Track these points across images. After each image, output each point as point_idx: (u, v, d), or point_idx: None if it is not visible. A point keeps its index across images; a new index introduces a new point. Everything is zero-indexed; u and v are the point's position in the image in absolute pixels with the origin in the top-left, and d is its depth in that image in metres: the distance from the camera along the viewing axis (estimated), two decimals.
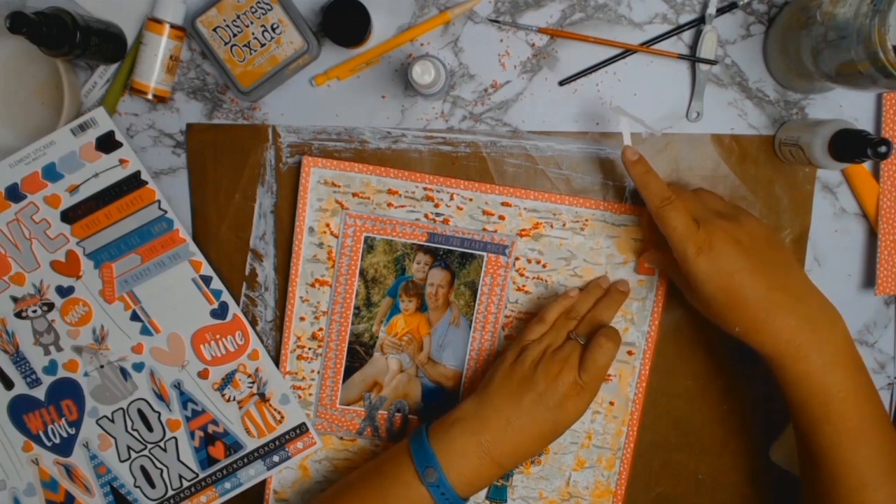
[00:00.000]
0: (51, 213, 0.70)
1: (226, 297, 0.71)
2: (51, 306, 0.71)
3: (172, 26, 0.67)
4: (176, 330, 0.71)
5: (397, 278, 0.72)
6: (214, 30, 0.67)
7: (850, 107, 0.70)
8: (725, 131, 0.71)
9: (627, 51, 0.69)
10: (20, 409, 0.72)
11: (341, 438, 0.74)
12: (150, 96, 0.68)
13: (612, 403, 0.73)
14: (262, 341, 0.73)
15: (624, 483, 0.73)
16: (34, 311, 0.71)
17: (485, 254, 0.71)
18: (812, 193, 0.71)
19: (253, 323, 0.73)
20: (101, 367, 0.72)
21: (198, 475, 0.72)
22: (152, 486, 0.72)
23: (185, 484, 0.72)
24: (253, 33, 0.67)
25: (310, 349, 0.72)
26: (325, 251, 0.71)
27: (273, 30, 0.66)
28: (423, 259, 0.71)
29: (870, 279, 0.72)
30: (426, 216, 0.71)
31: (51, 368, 0.72)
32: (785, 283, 0.60)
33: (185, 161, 0.72)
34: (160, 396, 0.72)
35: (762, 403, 0.73)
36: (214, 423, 0.72)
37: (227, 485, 0.73)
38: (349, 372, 0.73)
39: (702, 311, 0.63)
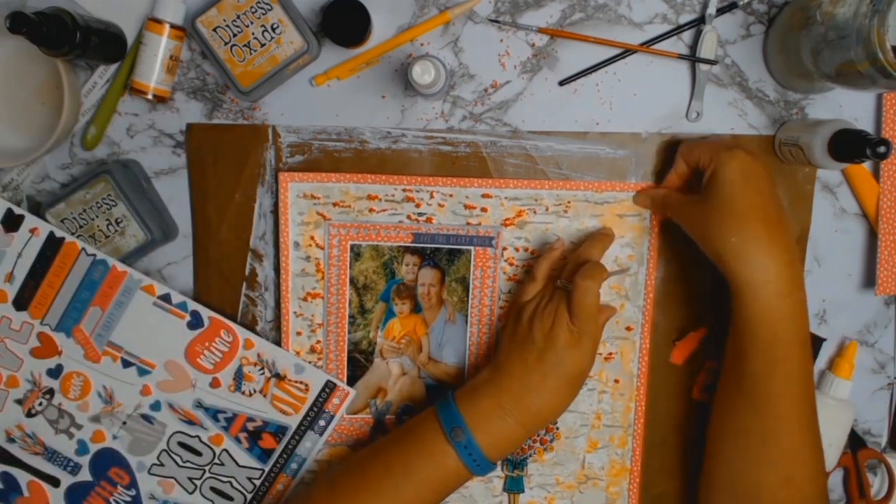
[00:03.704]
0: (5, 308, 0.71)
1: (192, 305, 0.71)
2: (51, 392, 0.72)
3: (172, 26, 0.67)
4: (168, 357, 0.71)
5: (388, 282, 0.72)
6: (214, 30, 0.67)
7: (850, 107, 0.70)
8: (725, 131, 0.71)
9: (627, 51, 0.69)
10: (77, 498, 0.73)
11: (353, 448, 0.74)
12: (150, 96, 0.68)
13: (616, 381, 0.73)
14: (252, 330, 0.72)
15: (639, 459, 0.74)
16: (40, 405, 0.72)
17: (472, 248, 0.71)
18: (812, 193, 0.71)
19: (253, 323, 0.73)
20: (124, 423, 0.72)
21: (263, 470, 0.72)
22: (230, 499, 0.73)
23: (257, 483, 0.73)
24: (253, 33, 0.67)
25: (310, 363, 0.72)
26: (313, 264, 0.71)
27: (273, 30, 0.66)
28: (412, 260, 0.71)
29: (870, 279, 0.72)
30: (409, 217, 0.71)
31: (82, 449, 0.72)
32: (788, 223, 0.61)
33: (185, 161, 0.72)
34: (190, 422, 0.72)
35: None
36: (251, 419, 0.72)
37: (294, 465, 0.72)
38: (351, 381, 0.73)
39: (699, 227, 0.62)
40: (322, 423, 0.72)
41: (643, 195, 0.70)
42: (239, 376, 0.71)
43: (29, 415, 0.72)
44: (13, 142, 0.70)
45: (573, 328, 0.61)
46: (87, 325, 0.71)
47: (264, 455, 0.72)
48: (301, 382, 0.72)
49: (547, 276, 0.67)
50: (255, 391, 0.72)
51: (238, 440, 0.72)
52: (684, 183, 0.68)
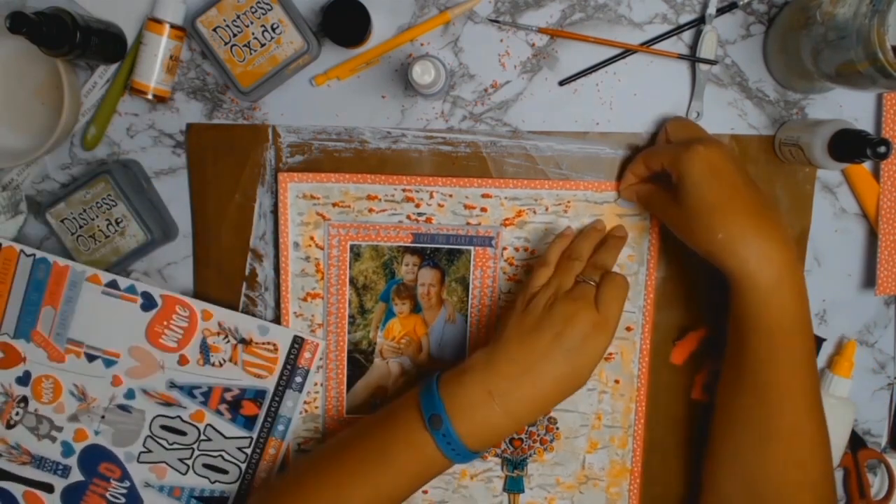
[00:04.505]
0: None
1: (142, 287, 0.70)
2: (25, 400, 0.72)
3: (172, 26, 0.68)
4: (130, 344, 0.71)
5: (388, 282, 0.72)
6: (214, 30, 0.67)
7: (850, 107, 0.70)
8: (725, 131, 0.70)
9: (627, 51, 0.69)
10: (74, 499, 0.73)
11: None
12: (150, 96, 0.68)
13: (617, 382, 0.73)
14: (206, 299, 0.72)
15: (639, 460, 0.74)
16: (17, 414, 0.72)
17: (472, 248, 0.71)
18: (812, 193, 0.71)
19: None
20: (103, 417, 0.72)
21: (251, 437, 0.72)
22: (224, 472, 0.72)
23: (248, 452, 0.72)
24: (253, 33, 0.67)
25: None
26: (313, 264, 0.71)
27: (273, 30, 0.66)
28: (411, 260, 0.71)
29: (870, 279, 0.72)
30: (409, 217, 0.71)
31: (67, 450, 0.73)
32: (771, 205, 0.60)
33: (185, 161, 0.72)
34: (167, 404, 0.72)
35: None
36: (227, 390, 0.71)
37: (281, 427, 0.72)
38: (352, 381, 0.73)
39: (683, 229, 0.62)
40: (299, 379, 0.71)
41: (629, 189, 0.69)
42: (205, 349, 0.71)
43: (8, 426, 0.72)
44: (13, 142, 0.70)
45: (598, 316, 0.60)
46: (44, 326, 0.71)
47: (249, 422, 0.72)
48: (269, 343, 0.71)
49: (557, 264, 0.65)
50: (224, 361, 0.71)
51: (219, 412, 0.72)
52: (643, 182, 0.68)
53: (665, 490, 0.75)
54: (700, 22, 0.69)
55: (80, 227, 0.70)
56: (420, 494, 0.74)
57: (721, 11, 0.68)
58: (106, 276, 0.70)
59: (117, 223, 0.69)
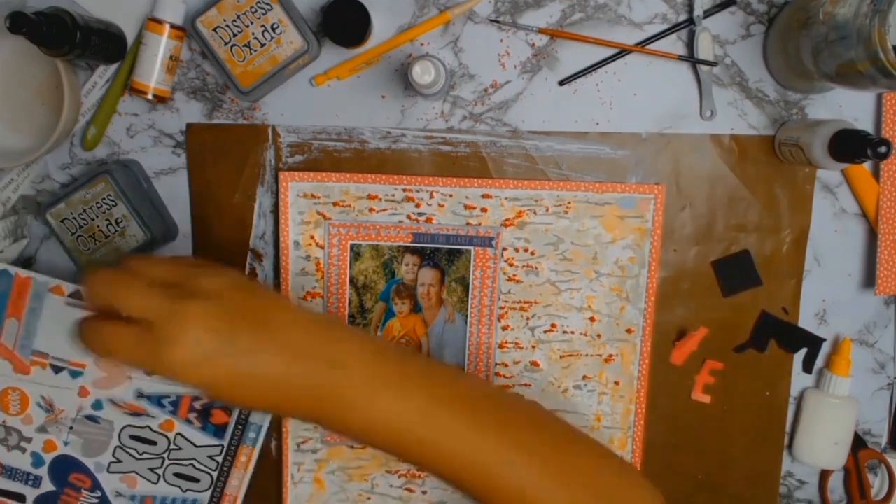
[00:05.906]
0: None
1: None
2: None
3: (172, 26, 0.68)
4: None
5: (388, 282, 0.72)
6: (214, 30, 0.67)
7: (850, 107, 0.70)
8: (725, 131, 0.70)
9: (627, 51, 0.69)
10: None
11: (352, 447, 0.74)
12: (150, 96, 0.68)
13: (616, 383, 0.73)
14: None
15: (639, 461, 0.73)
16: None
17: (472, 248, 0.71)
18: (812, 193, 0.71)
19: None
20: (71, 428, 0.72)
21: (222, 445, 0.72)
22: (196, 481, 0.72)
23: (220, 460, 0.72)
24: (253, 33, 0.67)
25: None
26: (313, 263, 0.71)
27: (273, 30, 0.66)
28: (411, 260, 0.71)
29: (870, 279, 0.72)
30: (409, 217, 0.71)
31: (37, 461, 0.72)
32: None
33: (185, 161, 0.72)
34: (136, 414, 0.71)
35: (763, 404, 0.73)
36: (196, 398, 0.71)
37: (252, 434, 0.72)
38: None
39: None
40: None
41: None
42: None
43: None
44: (13, 142, 0.70)
45: None
46: (7, 338, 0.70)
47: (219, 431, 0.72)
48: None
49: None
50: None
51: (189, 422, 0.71)
52: None
53: (664, 490, 0.75)
54: (690, 23, 0.69)
55: (80, 227, 0.70)
56: (420, 494, 0.74)
57: (708, 13, 0.68)
58: (69, 287, 0.69)
59: (117, 223, 0.69)
